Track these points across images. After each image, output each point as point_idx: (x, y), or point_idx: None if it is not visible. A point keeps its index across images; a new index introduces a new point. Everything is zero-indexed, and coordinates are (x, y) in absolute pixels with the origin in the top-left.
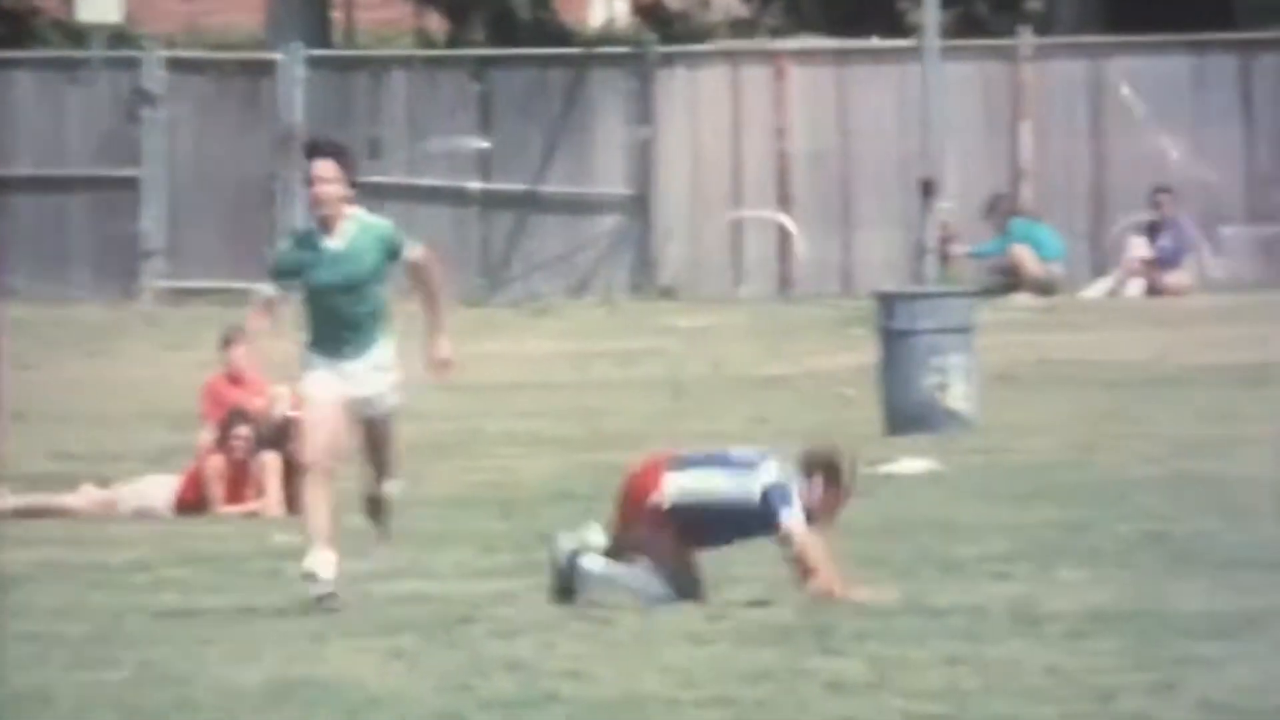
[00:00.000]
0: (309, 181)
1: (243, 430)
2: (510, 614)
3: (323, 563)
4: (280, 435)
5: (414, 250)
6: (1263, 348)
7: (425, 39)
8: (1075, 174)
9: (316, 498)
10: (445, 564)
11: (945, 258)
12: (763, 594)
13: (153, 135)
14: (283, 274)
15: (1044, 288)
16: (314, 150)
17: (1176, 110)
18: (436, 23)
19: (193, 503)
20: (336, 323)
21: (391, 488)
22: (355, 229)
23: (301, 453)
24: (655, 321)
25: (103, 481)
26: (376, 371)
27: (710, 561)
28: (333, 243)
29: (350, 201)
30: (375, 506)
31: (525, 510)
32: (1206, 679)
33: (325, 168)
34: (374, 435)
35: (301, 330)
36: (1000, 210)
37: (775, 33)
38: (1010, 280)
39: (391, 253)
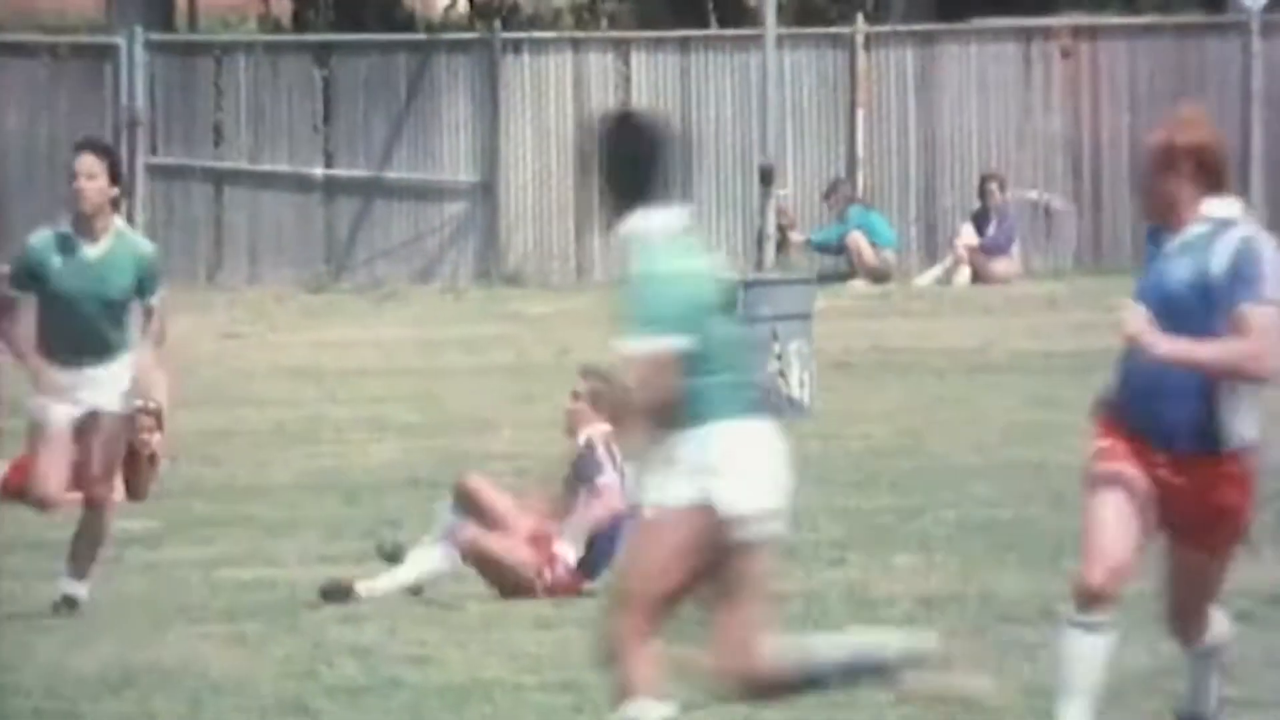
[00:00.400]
0: (71, 177)
1: None
2: (355, 600)
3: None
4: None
5: (159, 297)
6: (1085, 335)
7: (269, 24)
8: (907, 161)
9: None
10: (289, 550)
11: (782, 244)
12: (607, 580)
13: None
14: (23, 277)
15: (878, 275)
16: (80, 146)
17: (1006, 97)
18: (281, 7)
19: (23, 487)
20: (74, 336)
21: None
22: (114, 240)
23: (34, 491)
24: (501, 308)
25: None
26: (110, 380)
27: None
28: (90, 249)
29: (115, 208)
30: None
31: (370, 496)
32: (1030, 663)
33: (89, 163)
34: (95, 446)
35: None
36: (839, 197)
37: (615, 19)
38: (846, 269)
39: (142, 281)
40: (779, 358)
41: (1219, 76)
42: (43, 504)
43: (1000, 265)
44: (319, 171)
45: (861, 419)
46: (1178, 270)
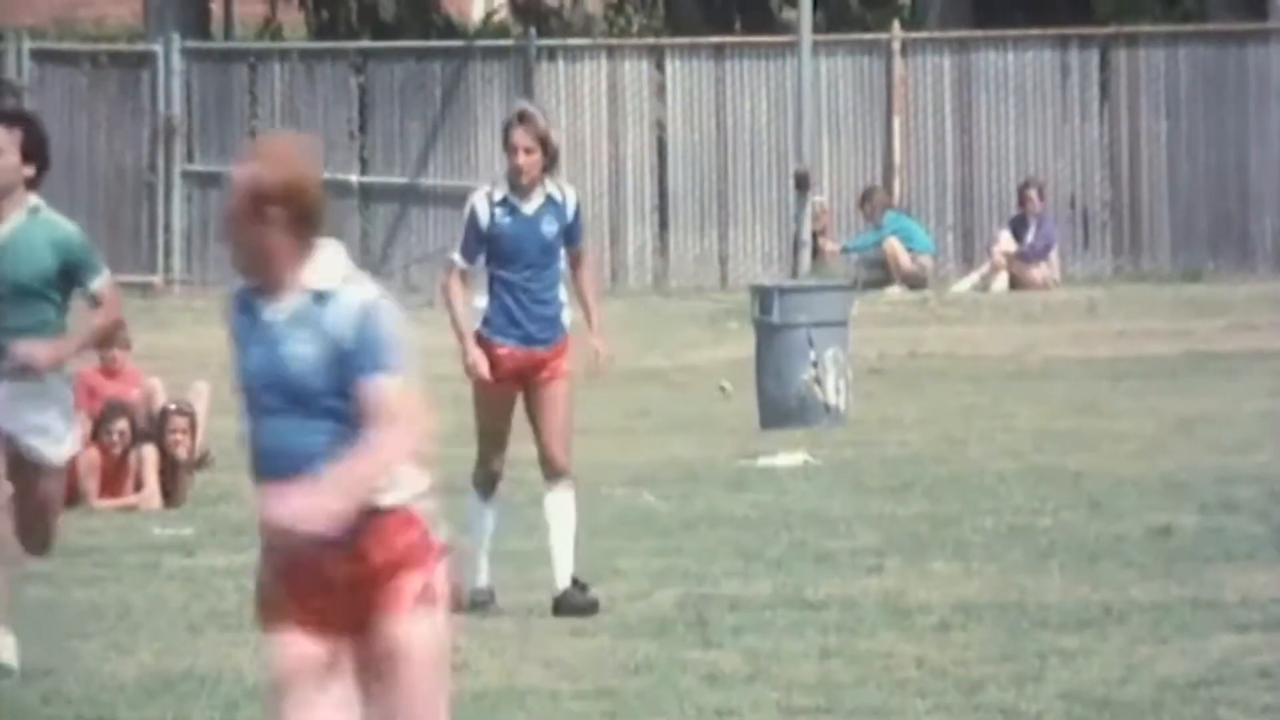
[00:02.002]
0: None
1: (120, 424)
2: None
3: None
4: (158, 428)
5: (101, 282)
6: (1123, 342)
7: (305, 31)
8: (944, 168)
9: None
10: None
11: (817, 251)
12: (643, 587)
13: None
14: None
15: (914, 281)
16: None
17: (1043, 104)
18: (317, 15)
19: (64, 497)
20: None
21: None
22: (24, 220)
23: None
24: None
25: None
26: (29, 409)
27: (594, 555)
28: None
29: (30, 186)
30: None
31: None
32: (1069, 670)
33: None
34: (27, 487)
35: None
36: (874, 203)
37: (647, 26)
38: (882, 274)
39: (68, 266)
40: (815, 364)
41: (1259, 83)
42: None
43: (1038, 272)
44: (355, 178)
45: (898, 426)
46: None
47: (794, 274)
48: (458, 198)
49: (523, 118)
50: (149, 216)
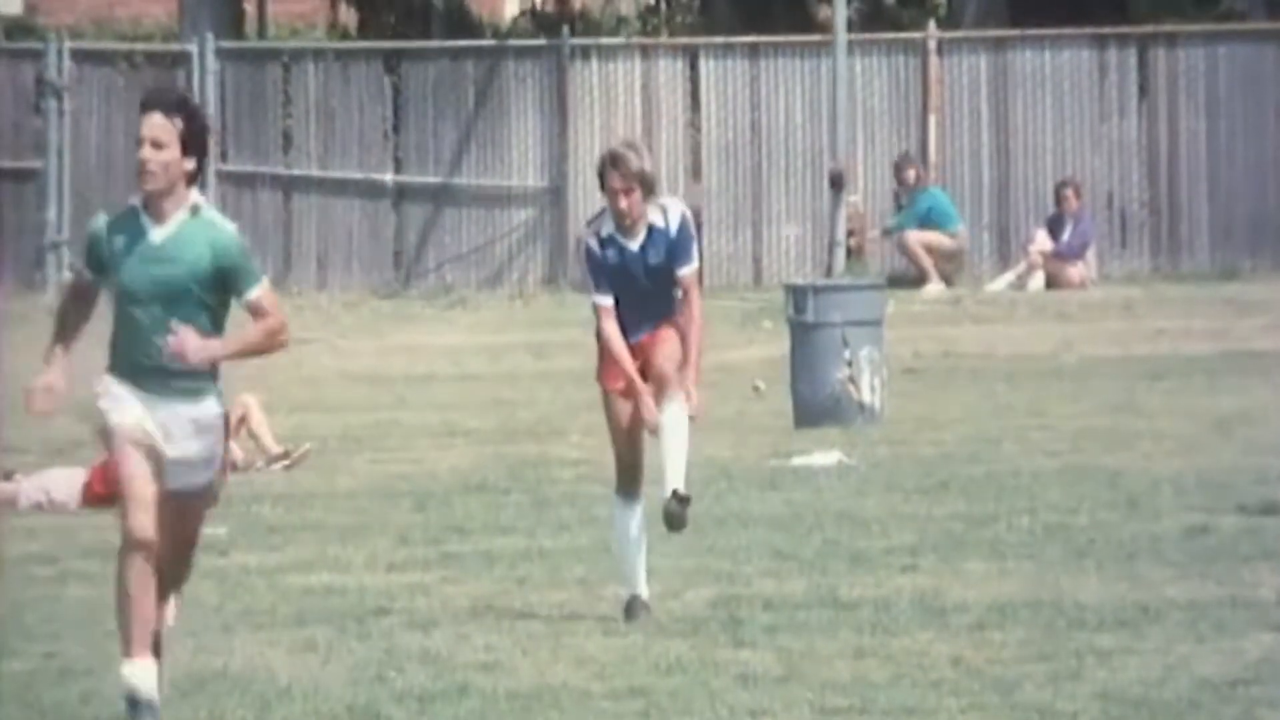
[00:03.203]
0: (137, 141)
1: None
2: (424, 606)
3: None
4: None
5: (259, 292)
6: (1160, 340)
7: (338, 31)
8: (980, 167)
9: (142, 583)
10: (359, 556)
11: (853, 249)
12: (675, 586)
13: (56, 127)
14: (89, 257)
15: (948, 263)
16: (146, 103)
17: (1080, 103)
18: (350, 15)
19: (102, 496)
20: (141, 345)
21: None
22: (185, 221)
23: (126, 520)
24: (570, 314)
25: (5, 474)
26: (194, 431)
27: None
28: (156, 232)
29: (189, 180)
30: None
31: (439, 502)
32: (1105, 670)
33: (156, 126)
34: (173, 520)
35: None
36: (905, 175)
37: (685, 27)
38: (915, 274)
39: (224, 272)
40: (849, 363)
41: None
42: (136, 541)
43: (1075, 271)
44: (388, 178)
45: (933, 425)
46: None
47: (828, 273)
48: (491, 197)
49: (615, 161)
50: None
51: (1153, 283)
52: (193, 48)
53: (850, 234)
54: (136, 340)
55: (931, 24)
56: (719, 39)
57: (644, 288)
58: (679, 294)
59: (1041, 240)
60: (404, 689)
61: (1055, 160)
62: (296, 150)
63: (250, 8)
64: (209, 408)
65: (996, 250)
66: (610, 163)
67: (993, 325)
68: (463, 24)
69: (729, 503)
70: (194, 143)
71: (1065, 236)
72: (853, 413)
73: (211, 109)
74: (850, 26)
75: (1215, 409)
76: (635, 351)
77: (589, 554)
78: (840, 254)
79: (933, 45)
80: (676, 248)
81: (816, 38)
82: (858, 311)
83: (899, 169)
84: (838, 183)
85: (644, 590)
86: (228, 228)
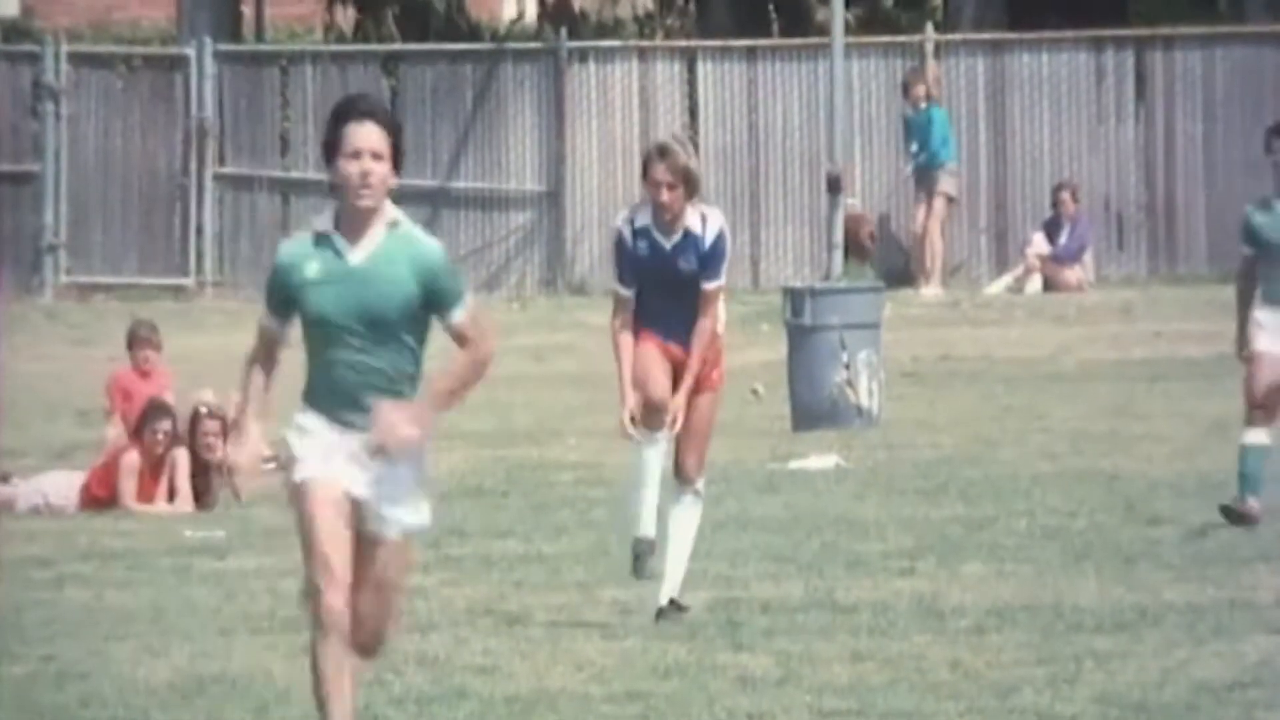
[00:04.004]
0: (352, 153)
1: (164, 424)
2: (422, 609)
3: None
4: (189, 431)
5: (465, 313)
6: (1158, 344)
7: (336, 34)
8: (977, 169)
9: (338, 664)
10: None
11: (855, 250)
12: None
13: (53, 130)
14: (276, 298)
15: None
16: (356, 111)
17: (1078, 105)
18: (348, 18)
19: (100, 499)
20: (340, 376)
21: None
22: (384, 238)
23: (314, 588)
24: (567, 317)
25: (3, 477)
26: (392, 462)
27: (625, 557)
28: (352, 254)
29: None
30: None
31: (438, 505)
32: (1104, 673)
33: (374, 137)
34: (374, 566)
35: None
36: (915, 94)
37: (678, 29)
38: (921, 265)
39: (429, 291)
40: (847, 366)
41: None
42: (328, 614)
43: (1072, 274)
44: None
45: (930, 428)
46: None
47: (826, 276)
48: (489, 200)
49: (663, 153)
50: (181, 219)
51: (1150, 286)
52: (190, 51)
53: (872, 237)
54: (334, 371)
55: (929, 27)
56: (716, 42)
57: (670, 288)
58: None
59: (1039, 243)
60: (402, 692)
61: (1052, 163)
62: (294, 153)
63: (248, 11)
64: None
65: (994, 253)
66: (658, 154)
67: (990, 328)
68: (460, 27)
69: (727, 506)
70: (399, 156)
71: (1063, 239)
72: (851, 416)
73: (209, 112)
74: (847, 29)
75: (1213, 412)
76: (668, 353)
77: (587, 557)
78: (838, 257)
79: (930, 48)
80: (709, 261)
81: (814, 40)
82: (855, 315)
83: (908, 88)
84: (835, 185)
85: (652, 532)
86: (430, 243)
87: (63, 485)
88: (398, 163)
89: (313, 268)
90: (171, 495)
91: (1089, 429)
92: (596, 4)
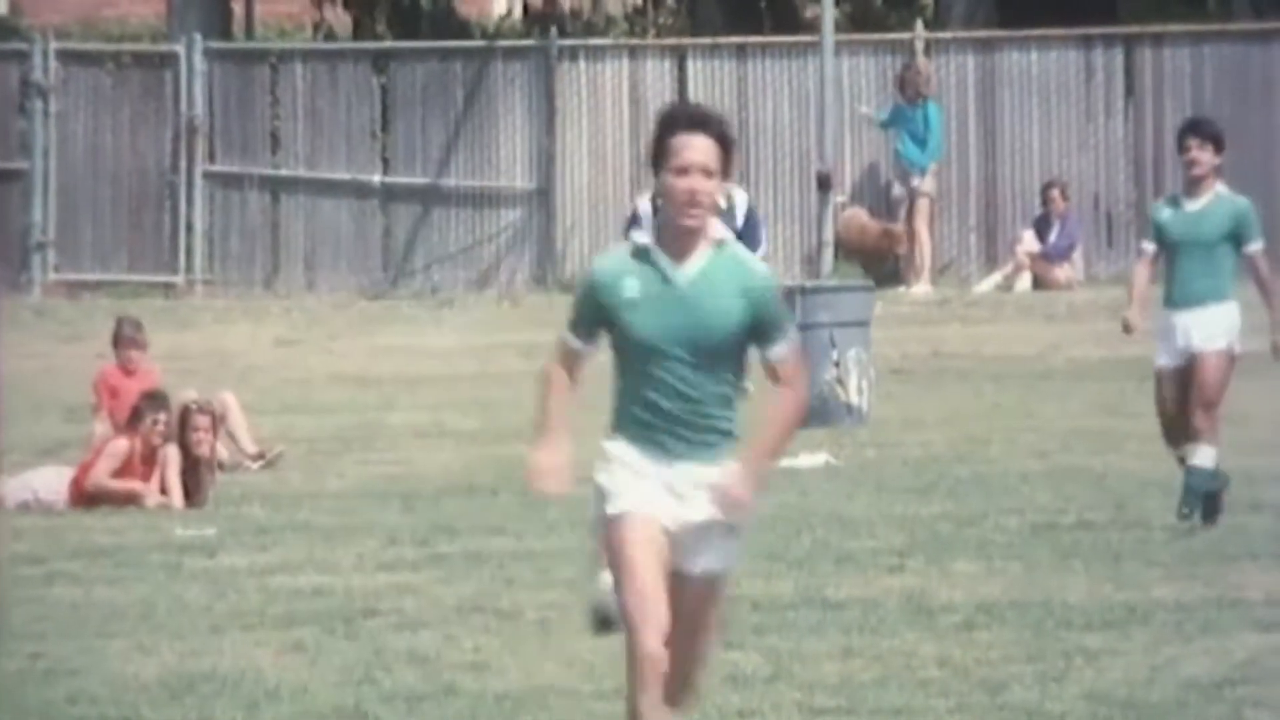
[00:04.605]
0: (680, 168)
1: (163, 414)
2: (412, 606)
3: None
4: (179, 427)
5: (788, 347)
6: (1148, 341)
7: (326, 32)
8: (967, 167)
9: (658, 711)
10: (347, 557)
11: (874, 262)
12: None
13: (42, 128)
14: (588, 316)
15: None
16: (688, 122)
17: (1067, 103)
18: (337, 16)
19: (90, 495)
20: (655, 404)
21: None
22: (711, 258)
23: (635, 638)
24: (558, 314)
25: None
26: (709, 495)
27: None
28: (678, 273)
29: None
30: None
31: (427, 503)
32: (1093, 670)
33: (707, 151)
34: (684, 606)
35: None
36: (910, 85)
37: (668, 26)
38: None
39: (757, 319)
40: (837, 364)
41: None
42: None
43: (1061, 272)
44: (376, 179)
45: (920, 426)
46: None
47: (816, 274)
48: (479, 198)
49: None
50: (171, 217)
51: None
52: (180, 48)
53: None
54: (650, 398)
55: (919, 24)
56: (706, 39)
57: None
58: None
59: (1028, 241)
60: (392, 690)
61: (1042, 161)
62: (284, 151)
63: (238, 8)
64: (725, 462)
65: (983, 251)
66: None
67: (980, 326)
68: (451, 24)
69: None
70: (728, 165)
71: (1052, 237)
72: (840, 414)
73: (199, 110)
74: (837, 27)
75: None
76: None
77: (577, 555)
78: (828, 255)
79: (920, 46)
80: (745, 236)
81: (804, 38)
82: (845, 312)
83: (904, 82)
84: (825, 183)
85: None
86: (761, 266)
87: (52, 481)
88: (726, 172)
89: (633, 286)
90: (162, 492)
91: (1078, 427)
92: (585, 2)
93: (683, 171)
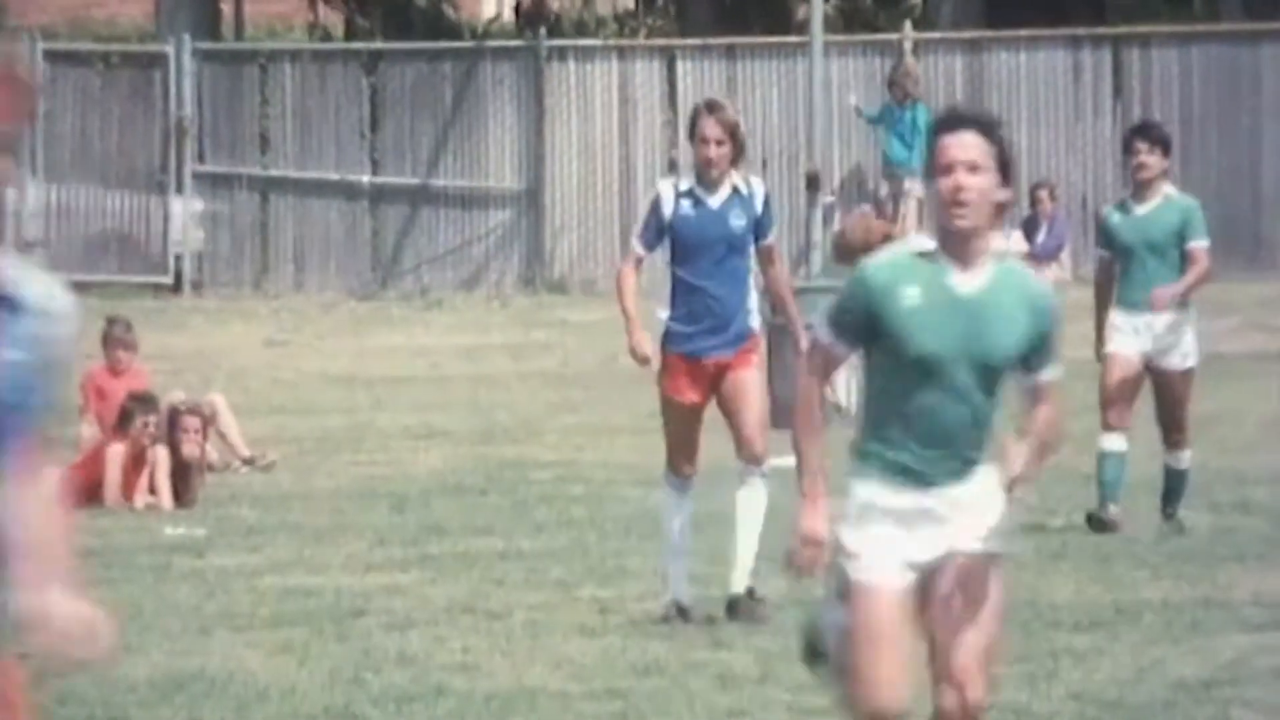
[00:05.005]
0: (944, 167)
1: (152, 416)
2: (402, 607)
3: None
4: (169, 428)
5: (1056, 373)
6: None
7: (316, 32)
8: None
9: None
10: (336, 558)
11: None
12: (654, 587)
13: (30, 128)
14: (857, 321)
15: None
16: (945, 121)
17: (1055, 104)
18: (329, 15)
19: (79, 496)
20: (927, 425)
21: None
22: (996, 269)
23: (861, 698)
24: (546, 315)
25: None
26: (971, 513)
27: (604, 555)
28: (962, 282)
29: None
30: None
31: (417, 504)
32: (1080, 670)
33: (970, 146)
34: (960, 591)
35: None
36: (900, 87)
37: (662, 28)
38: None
39: (1037, 341)
40: None
41: (1271, 83)
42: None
43: (1050, 273)
44: (365, 179)
45: None
46: None
47: (805, 274)
48: (468, 198)
49: (712, 108)
50: (163, 216)
51: None
52: (169, 48)
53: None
54: (918, 417)
55: (907, 25)
56: (696, 40)
57: (714, 255)
58: (750, 267)
59: (1016, 241)
60: (381, 690)
61: (1030, 162)
62: (274, 151)
63: (227, 8)
64: (980, 478)
65: None
66: (707, 109)
67: None
68: (440, 25)
69: (706, 504)
70: (1008, 170)
71: (1040, 238)
72: (829, 414)
73: (188, 110)
74: (827, 27)
75: (1189, 410)
76: (700, 371)
77: (566, 555)
78: (817, 255)
79: (909, 46)
80: (763, 221)
81: (793, 39)
82: None
83: (893, 84)
84: (814, 184)
85: (685, 597)
86: (1044, 284)
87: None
88: (1007, 175)
89: (913, 293)
90: (151, 493)
91: (1066, 427)
92: (573, 4)
93: (947, 170)
